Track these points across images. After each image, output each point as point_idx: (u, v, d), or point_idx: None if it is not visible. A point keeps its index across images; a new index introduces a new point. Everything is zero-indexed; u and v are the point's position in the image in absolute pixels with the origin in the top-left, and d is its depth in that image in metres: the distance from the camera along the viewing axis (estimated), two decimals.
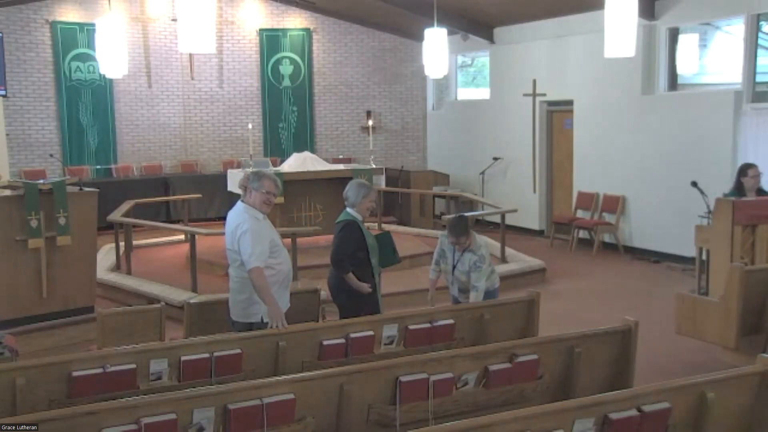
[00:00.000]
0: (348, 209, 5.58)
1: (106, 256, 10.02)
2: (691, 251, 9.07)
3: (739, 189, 7.44)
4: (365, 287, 5.50)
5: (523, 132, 12.99)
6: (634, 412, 3.45)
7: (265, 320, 4.92)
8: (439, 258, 6.02)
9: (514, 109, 13.12)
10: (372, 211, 5.81)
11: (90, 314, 7.18)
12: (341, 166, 11.15)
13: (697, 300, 6.63)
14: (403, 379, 3.96)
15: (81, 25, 13.54)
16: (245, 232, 4.85)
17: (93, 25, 11.89)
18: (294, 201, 9.96)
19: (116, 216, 9.65)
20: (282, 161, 12.02)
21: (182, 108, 14.60)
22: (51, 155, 12.92)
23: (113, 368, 4.16)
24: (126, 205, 10.26)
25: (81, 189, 7.56)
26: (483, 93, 14.83)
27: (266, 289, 4.80)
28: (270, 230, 5.06)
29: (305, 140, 15.22)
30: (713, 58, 11.26)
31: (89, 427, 3.32)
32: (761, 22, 9.69)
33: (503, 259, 9.95)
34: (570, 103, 12.20)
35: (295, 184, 9.84)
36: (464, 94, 15.72)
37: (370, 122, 13.01)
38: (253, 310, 4.98)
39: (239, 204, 5.07)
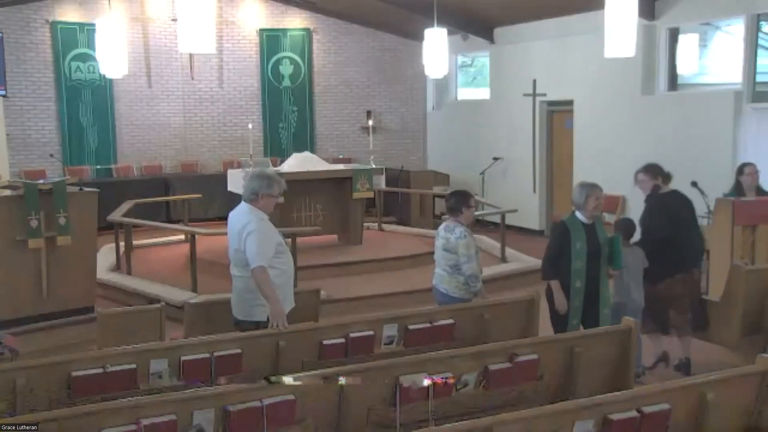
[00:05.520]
0: (576, 212, 5.60)
1: (106, 256, 10.00)
2: None
3: (738, 188, 7.49)
4: (561, 302, 5.48)
5: (523, 132, 12.99)
6: (634, 413, 3.45)
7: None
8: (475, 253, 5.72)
9: (514, 109, 13.11)
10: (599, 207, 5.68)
11: (90, 314, 7.17)
12: (341, 166, 11.13)
13: None
14: (403, 380, 3.96)
15: (81, 25, 13.53)
16: (252, 232, 4.89)
17: (93, 25, 11.88)
18: (294, 201, 9.94)
19: (116, 216, 9.65)
20: (282, 161, 12.00)
21: (182, 108, 14.59)
22: (51, 155, 12.92)
23: (113, 368, 4.16)
24: (126, 205, 10.26)
25: (81, 189, 7.56)
26: (483, 93, 14.83)
27: (269, 289, 4.83)
28: (274, 231, 5.12)
29: (305, 140, 15.21)
30: (713, 58, 11.25)
31: (89, 427, 3.33)
32: (761, 22, 9.69)
33: (503, 259, 9.95)
34: (570, 103, 12.20)
35: (295, 184, 9.77)
36: (464, 94, 15.71)
37: (370, 122, 13.00)
38: (260, 310, 4.99)
39: (243, 205, 5.09)
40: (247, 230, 4.91)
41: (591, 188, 5.58)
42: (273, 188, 5.06)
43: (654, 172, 6.42)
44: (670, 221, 6.10)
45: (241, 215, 5.06)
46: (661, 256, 6.03)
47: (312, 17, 15.25)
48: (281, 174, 9.64)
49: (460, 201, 5.77)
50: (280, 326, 4.76)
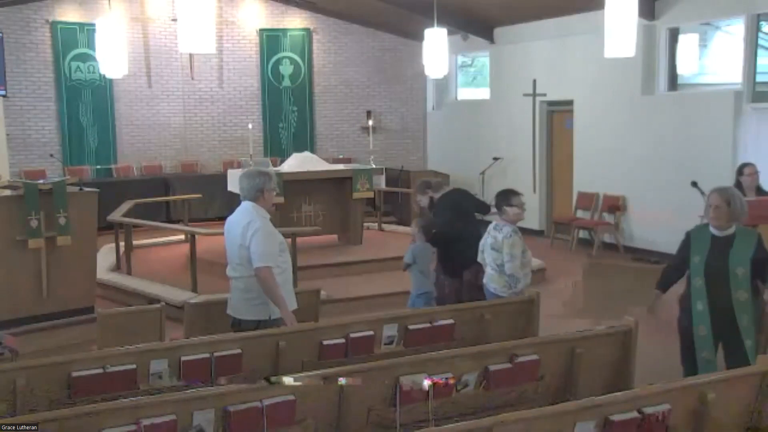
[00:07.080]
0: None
1: (106, 256, 10.00)
2: None
3: (738, 188, 7.47)
4: (651, 308, 5.06)
5: (523, 132, 12.99)
6: (635, 414, 3.45)
7: (273, 317, 4.96)
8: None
9: (514, 109, 13.11)
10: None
11: (90, 314, 7.17)
12: (341, 166, 11.14)
13: None
14: (403, 380, 3.96)
15: (81, 25, 13.53)
16: (257, 230, 4.88)
17: (93, 25, 11.89)
18: (294, 201, 9.95)
19: (116, 216, 9.65)
20: (282, 161, 12.01)
21: (182, 108, 14.59)
22: (51, 155, 12.92)
23: (113, 368, 4.16)
24: (126, 205, 10.26)
25: (81, 189, 7.56)
26: (483, 93, 14.82)
27: (275, 289, 4.84)
28: (275, 230, 5.13)
29: (305, 140, 15.21)
30: (713, 58, 11.25)
31: (89, 427, 3.32)
32: (761, 22, 9.68)
33: None
34: (570, 103, 12.20)
35: (295, 184, 9.82)
36: (464, 94, 15.71)
37: (370, 122, 13.00)
38: (262, 308, 4.99)
39: (246, 204, 5.07)
40: (252, 228, 4.89)
41: (710, 193, 4.75)
42: (272, 182, 5.15)
43: (421, 188, 7.12)
44: (455, 219, 6.77)
45: (243, 214, 5.03)
46: (454, 251, 6.61)
47: (312, 17, 15.25)
48: (281, 174, 9.69)
49: (500, 200, 6.05)
50: (293, 324, 4.81)
